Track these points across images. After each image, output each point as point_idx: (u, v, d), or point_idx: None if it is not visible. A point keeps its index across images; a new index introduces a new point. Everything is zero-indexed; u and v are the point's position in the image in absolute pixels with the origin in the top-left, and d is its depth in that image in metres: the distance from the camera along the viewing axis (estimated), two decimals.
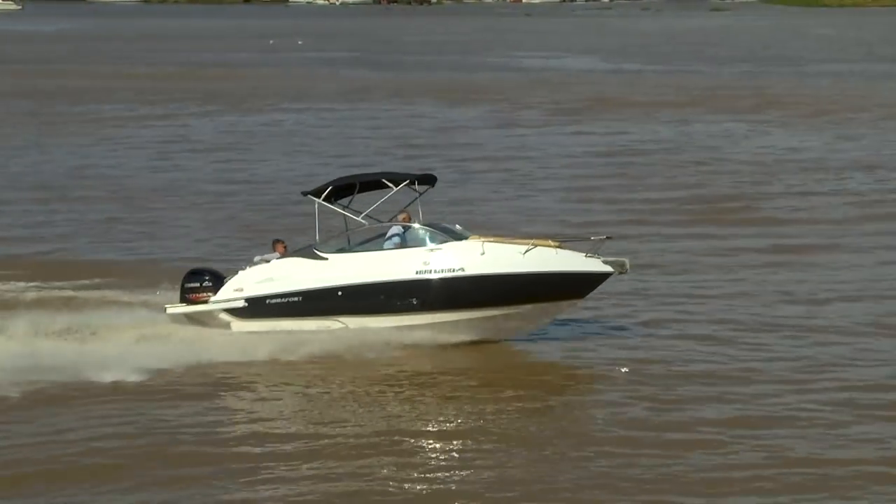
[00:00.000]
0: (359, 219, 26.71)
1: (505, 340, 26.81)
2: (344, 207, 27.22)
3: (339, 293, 25.97)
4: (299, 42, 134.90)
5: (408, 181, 27.21)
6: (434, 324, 26.07)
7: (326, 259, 26.22)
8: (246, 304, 26.30)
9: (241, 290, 26.39)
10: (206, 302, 26.47)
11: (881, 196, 43.93)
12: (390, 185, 27.18)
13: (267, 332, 25.88)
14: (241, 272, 26.69)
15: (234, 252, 35.37)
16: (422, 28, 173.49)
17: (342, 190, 27.40)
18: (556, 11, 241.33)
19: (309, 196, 27.23)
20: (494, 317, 26.14)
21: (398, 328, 25.97)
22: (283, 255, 26.75)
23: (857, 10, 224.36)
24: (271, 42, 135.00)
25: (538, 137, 59.84)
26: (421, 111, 70.13)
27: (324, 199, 26.91)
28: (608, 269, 25.92)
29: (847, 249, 35.67)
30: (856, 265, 33.76)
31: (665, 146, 56.25)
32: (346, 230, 26.92)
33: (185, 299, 26.69)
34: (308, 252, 26.49)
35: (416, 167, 51.00)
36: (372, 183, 27.65)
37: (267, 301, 26.18)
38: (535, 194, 44.95)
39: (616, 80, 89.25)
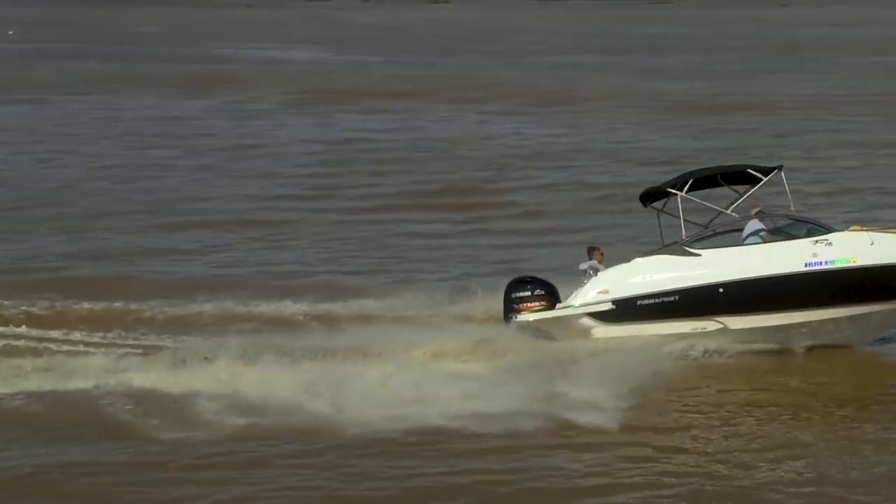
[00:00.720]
0: (729, 212, 25.49)
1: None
2: (661, 205, 25.94)
3: (721, 290, 24.50)
4: (10, 32, 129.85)
5: (775, 170, 25.66)
6: (819, 321, 24.87)
7: (700, 255, 24.74)
8: (613, 307, 24.52)
9: (607, 291, 24.64)
10: (543, 309, 24.64)
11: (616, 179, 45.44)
12: (759, 175, 25.67)
13: (633, 337, 24.19)
14: (600, 274, 24.88)
15: None
16: (143, 18, 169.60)
17: (699, 183, 25.93)
18: (278, 2, 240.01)
19: (668, 191, 25.57)
20: (873, 313, 25.08)
21: (777, 327, 24.69)
22: (603, 263, 25.17)
23: (573, 3, 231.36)
24: None
25: (274, 129, 59.41)
26: (150, 102, 68.66)
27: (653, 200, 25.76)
28: None
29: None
30: None
31: (402, 135, 56.72)
32: (683, 226, 25.10)
33: (512, 310, 24.83)
34: (677, 249, 24.96)
35: (154, 156, 49.96)
36: (733, 175, 26.15)
37: (638, 302, 24.51)
38: (273, 186, 44.56)
39: (345, 71, 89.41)
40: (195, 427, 20.95)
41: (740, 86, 77.45)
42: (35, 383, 22.72)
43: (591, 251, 25.74)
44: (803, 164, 49.24)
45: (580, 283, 25.14)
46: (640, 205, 26.85)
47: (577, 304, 24.70)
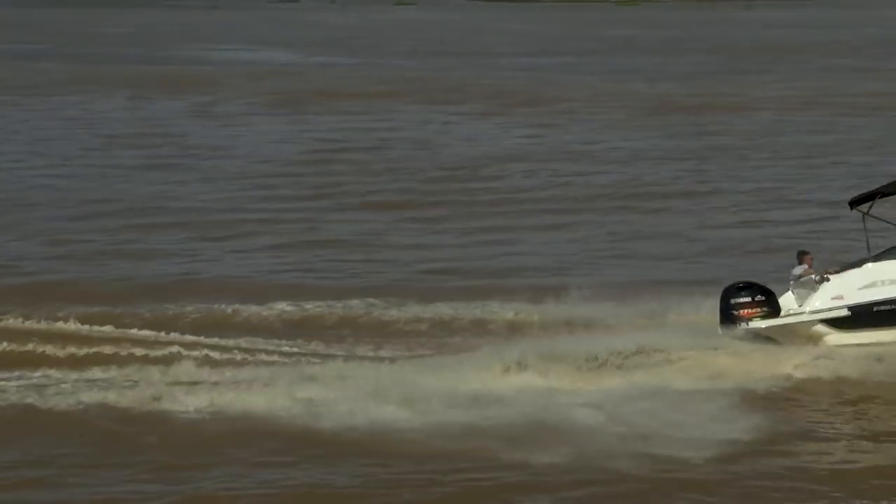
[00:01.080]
0: None
1: None
2: (867, 209, 25.60)
3: None
4: None
5: None
6: None
7: None
8: (849, 313, 24.14)
9: (841, 297, 24.26)
10: (765, 315, 24.27)
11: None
12: None
13: (868, 344, 23.79)
14: (832, 279, 24.47)
15: None
16: (107, 20, 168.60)
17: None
18: (244, 4, 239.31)
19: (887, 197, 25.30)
20: None
21: None
22: (812, 268, 24.81)
23: (538, 5, 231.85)
24: None
25: (249, 129, 59.20)
26: (121, 104, 68.27)
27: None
28: None
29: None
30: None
31: (376, 136, 56.59)
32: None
33: (731, 317, 24.38)
34: None
35: (126, 158, 49.58)
36: None
37: (874, 308, 24.12)
38: (250, 188, 44.29)
39: (317, 72, 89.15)
40: (183, 430, 20.80)
41: (712, 87, 77.57)
42: (16, 395, 22.36)
43: (801, 255, 25.29)
44: (777, 163, 49.50)
45: (788, 288, 24.81)
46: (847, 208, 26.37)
47: (808, 311, 24.43)
